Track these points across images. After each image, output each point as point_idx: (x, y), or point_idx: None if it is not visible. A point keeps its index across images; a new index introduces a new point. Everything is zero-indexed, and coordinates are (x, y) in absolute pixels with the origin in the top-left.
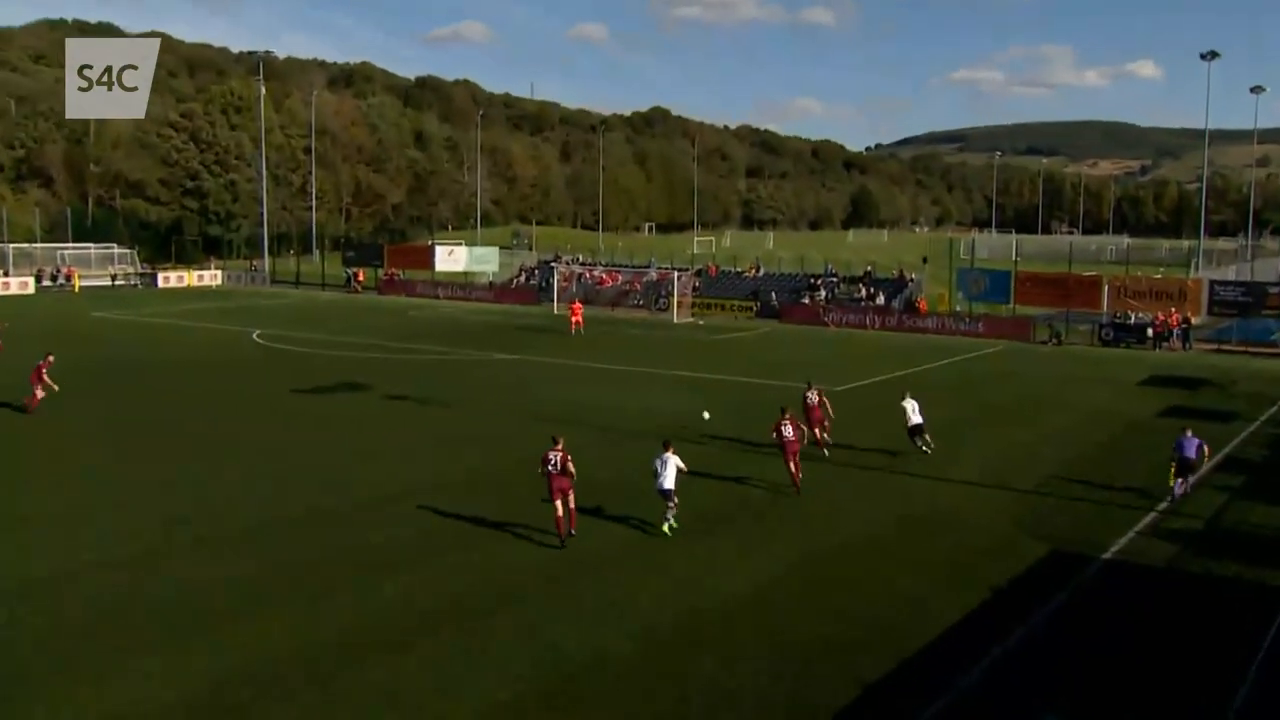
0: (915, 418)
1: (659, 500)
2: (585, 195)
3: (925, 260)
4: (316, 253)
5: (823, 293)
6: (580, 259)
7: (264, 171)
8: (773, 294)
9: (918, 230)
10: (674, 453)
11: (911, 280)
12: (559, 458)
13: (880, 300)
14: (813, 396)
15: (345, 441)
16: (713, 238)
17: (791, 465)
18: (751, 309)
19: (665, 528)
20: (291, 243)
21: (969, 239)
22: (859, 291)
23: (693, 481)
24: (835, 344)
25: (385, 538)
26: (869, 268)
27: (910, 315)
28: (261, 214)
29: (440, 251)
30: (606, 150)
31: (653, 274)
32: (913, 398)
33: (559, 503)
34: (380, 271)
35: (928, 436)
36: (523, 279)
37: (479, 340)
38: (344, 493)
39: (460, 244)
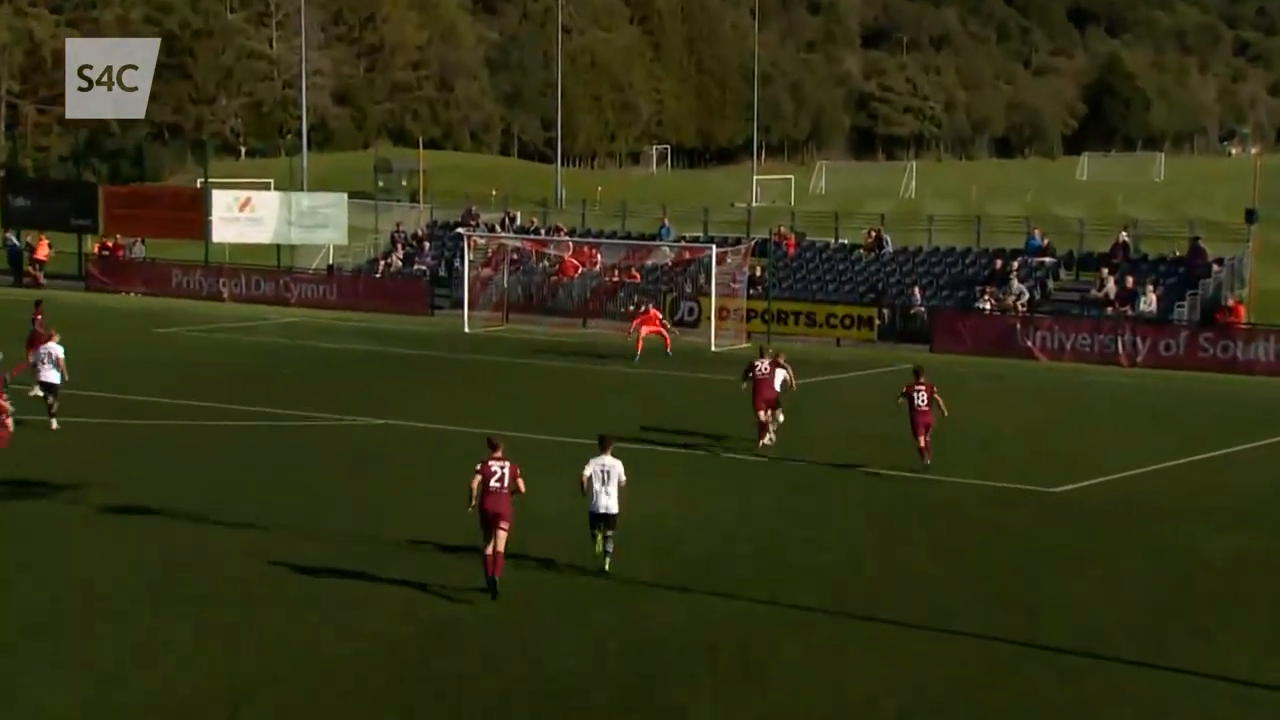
0: None
1: (592, 528)
2: (528, 92)
3: (1252, 216)
4: None
5: (1018, 288)
6: (516, 220)
7: None
8: (914, 292)
9: (1233, 153)
10: (614, 455)
11: (1218, 264)
12: (507, 470)
13: (1148, 302)
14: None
15: None
16: (789, 175)
17: (922, 440)
18: (870, 322)
19: (606, 564)
20: None
21: None
22: (1101, 285)
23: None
24: (1050, 396)
25: None
26: (1126, 231)
27: (1215, 333)
28: None
29: (220, 202)
30: None
31: (666, 252)
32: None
33: (500, 534)
34: (92, 242)
35: None
36: (399, 261)
37: (307, 393)
38: None
39: (266, 186)
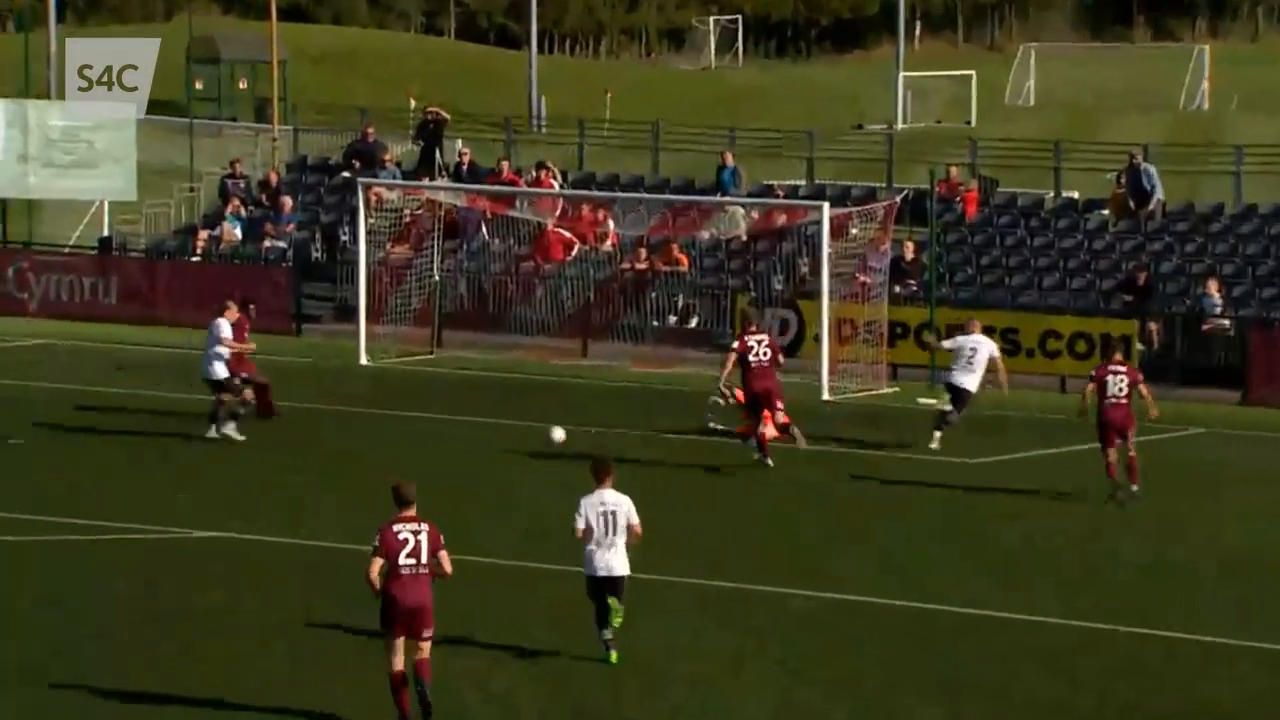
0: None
1: (593, 599)
2: None
3: None
4: None
5: None
6: (459, 156)
7: None
8: (1210, 290)
9: None
10: (614, 488)
11: None
12: (426, 539)
13: None
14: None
15: None
16: (967, 71)
17: (1111, 453)
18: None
19: (612, 654)
20: None
21: None
22: None
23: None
24: None
25: None
26: None
27: None
28: None
29: None
30: None
31: (734, 216)
32: None
33: (422, 642)
34: None
35: None
36: (235, 232)
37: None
38: None
39: None
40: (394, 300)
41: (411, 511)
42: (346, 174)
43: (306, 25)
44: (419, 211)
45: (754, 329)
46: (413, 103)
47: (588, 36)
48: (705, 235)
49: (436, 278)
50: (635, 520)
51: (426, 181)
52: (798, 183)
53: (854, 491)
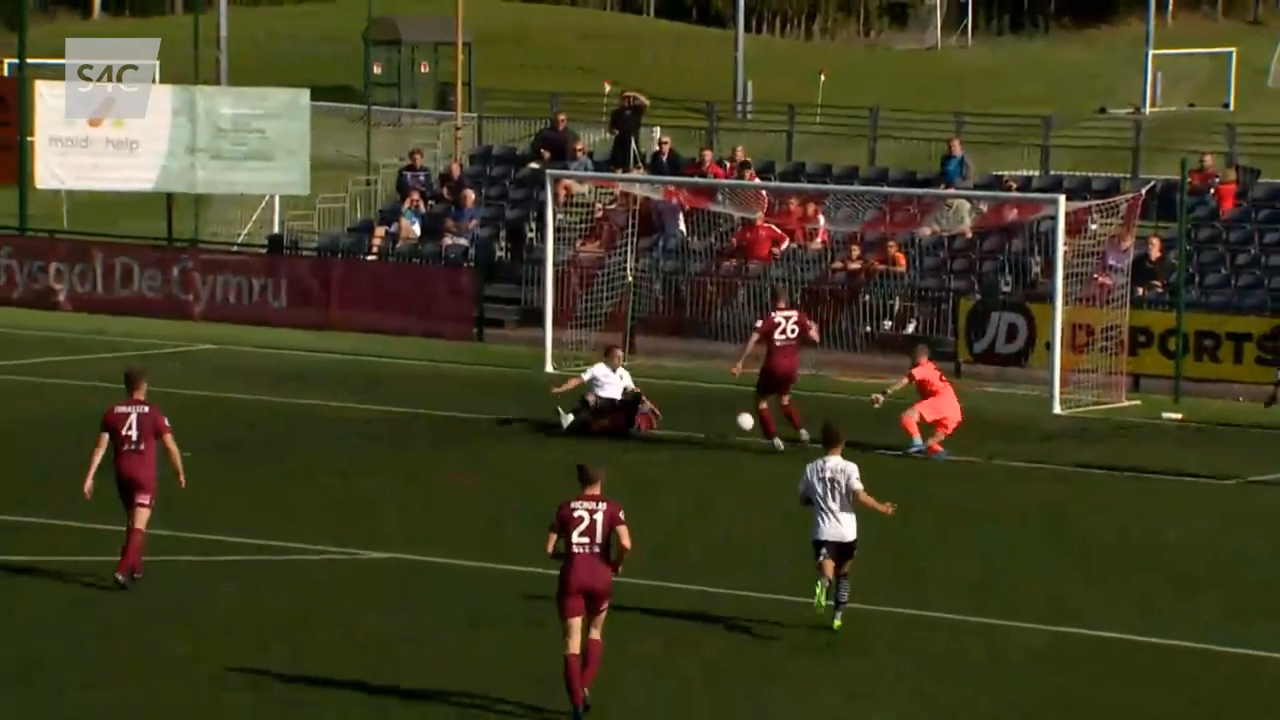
0: None
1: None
2: None
3: None
4: None
5: None
6: (658, 145)
7: None
8: None
9: None
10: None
11: None
12: (603, 517)
13: None
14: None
15: None
16: (1227, 49)
17: None
18: None
19: (836, 620)
20: None
21: None
22: None
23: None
24: None
25: None
26: None
27: None
28: None
29: (51, 105)
30: None
31: (959, 210)
32: None
33: (596, 617)
34: None
35: None
36: (413, 228)
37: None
38: None
39: (146, 75)
40: (582, 303)
41: (594, 490)
42: (534, 165)
43: (494, 3)
44: (611, 206)
45: (783, 305)
46: (608, 87)
47: (800, 14)
48: (926, 232)
49: (630, 278)
50: (859, 486)
51: (620, 173)
52: (1031, 173)
53: (1091, 518)
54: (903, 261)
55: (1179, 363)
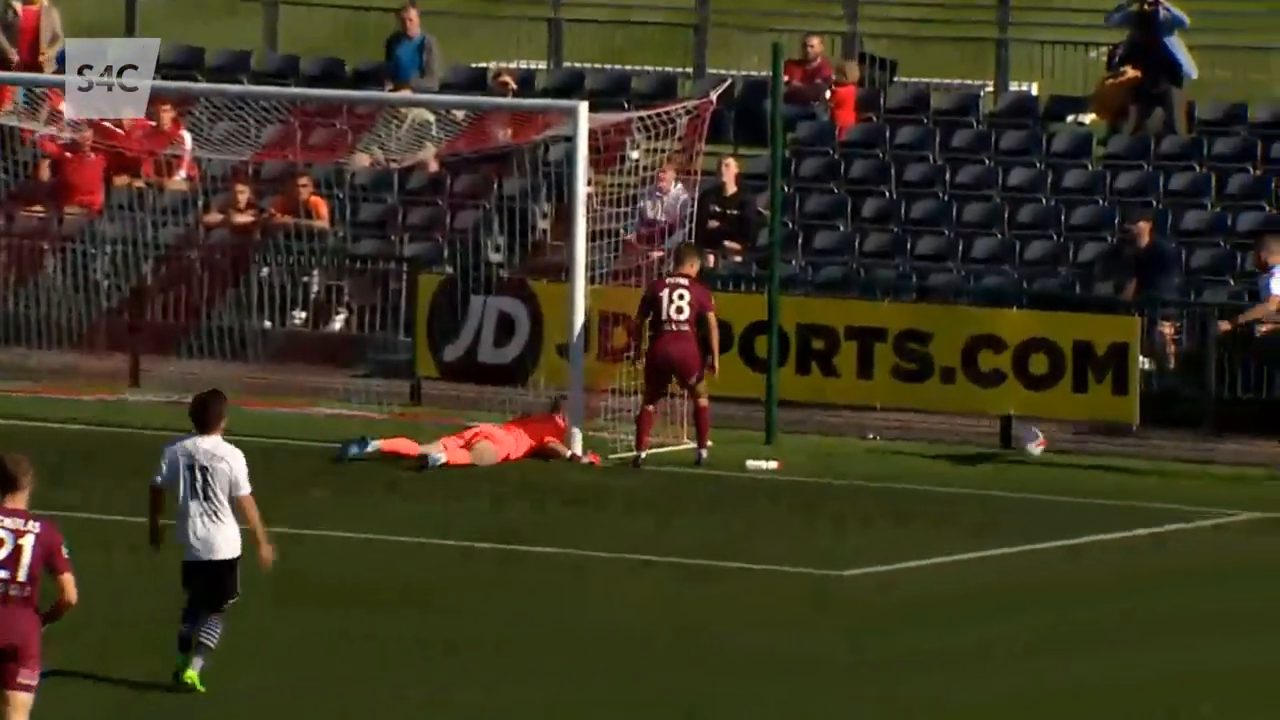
0: None
1: None
2: None
3: None
4: None
5: None
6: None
7: None
8: None
9: None
10: None
11: None
12: (30, 545)
13: None
14: None
15: None
16: None
17: None
18: None
19: None
20: None
21: None
22: None
23: None
24: None
25: None
26: None
27: None
28: None
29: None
30: None
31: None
32: None
33: (18, 696)
34: None
35: None
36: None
37: None
38: None
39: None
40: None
41: (15, 502)
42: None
43: None
44: None
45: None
46: None
47: None
48: (363, 162)
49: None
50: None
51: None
52: (535, 65)
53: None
54: (324, 212)
55: (772, 378)
